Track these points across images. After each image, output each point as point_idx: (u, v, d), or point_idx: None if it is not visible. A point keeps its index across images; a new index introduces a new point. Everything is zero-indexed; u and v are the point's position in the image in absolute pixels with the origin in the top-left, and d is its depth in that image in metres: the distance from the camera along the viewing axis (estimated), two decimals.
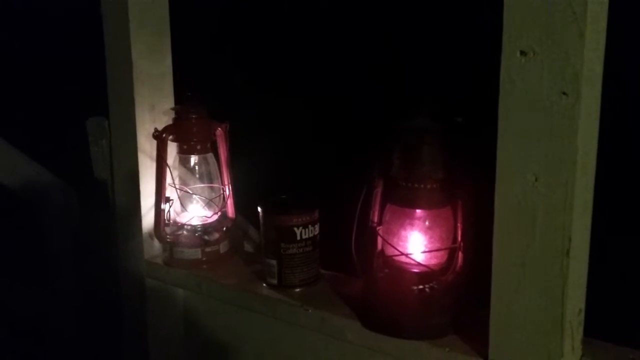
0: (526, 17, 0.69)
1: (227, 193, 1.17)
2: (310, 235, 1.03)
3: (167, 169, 1.13)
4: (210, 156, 1.17)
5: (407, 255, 0.89)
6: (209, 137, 1.15)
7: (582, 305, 0.79)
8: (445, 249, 0.90)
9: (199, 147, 1.14)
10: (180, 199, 1.16)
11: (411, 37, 1.95)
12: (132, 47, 1.12)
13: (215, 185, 1.17)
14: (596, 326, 0.83)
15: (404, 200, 0.90)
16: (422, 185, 0.88)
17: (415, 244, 0.90)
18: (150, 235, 1.19)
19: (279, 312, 1.02)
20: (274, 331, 1.08)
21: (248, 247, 1.28)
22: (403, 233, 0.90)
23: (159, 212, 1.14)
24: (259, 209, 1.05)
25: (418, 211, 0.89)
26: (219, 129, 1.15)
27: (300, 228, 1.02)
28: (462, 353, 0.84)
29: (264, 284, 1.06)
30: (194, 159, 1.16)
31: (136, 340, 1.25)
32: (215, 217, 1.17)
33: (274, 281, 1.04)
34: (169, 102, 1.21)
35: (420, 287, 0.89)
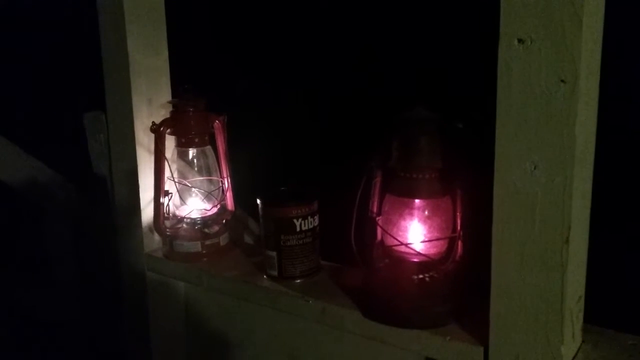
0: (523, 5, 0.69)
1: (226, 186, 1.17)
2: (310, 226, 1.03)
3: (166, 163, 1.13)
4: (208, 149, 1.17)
5: (406, 245, 0.90)
6: (207, 129, 1.15)
7: (582, 293, 0.79)
8: (444, 238, 0.90)
9: (197, 140, 1.14)
10: (180, 193, 1.16)
11: (408, 28, 1.94)
12: (128, 40, 1.12)
13: (214, 178, 1.17)
14: (596, 313, 0.84)
15: (403, 191, 0.90)
16: (420, 175, 0.88)
17: (415, 234, 0.90)
18: (150, 229, 1.19)
19: (279, 303, 1.03)
20: (274, 322, 1.09)
21: (248, 239, 1.28)
22: (402, 223, 0.90)
23: (158, 205, 1.14)
24: (258, 201, 1.05)
25: (417, 201, 0.89)
26: (217, 121, 1.15)
27: (300, 219, 1.02)
28: (462, 341, 0.84)
29: (264, 276, 1.06)
30: (192, 152, 1.16)
31: (138, 334, 1.25)
32: (215, 209, 1.17)
33: (274, 273, 1.05)
34: (166, 96, 1.20)
35: (420, 276, 0.89)
